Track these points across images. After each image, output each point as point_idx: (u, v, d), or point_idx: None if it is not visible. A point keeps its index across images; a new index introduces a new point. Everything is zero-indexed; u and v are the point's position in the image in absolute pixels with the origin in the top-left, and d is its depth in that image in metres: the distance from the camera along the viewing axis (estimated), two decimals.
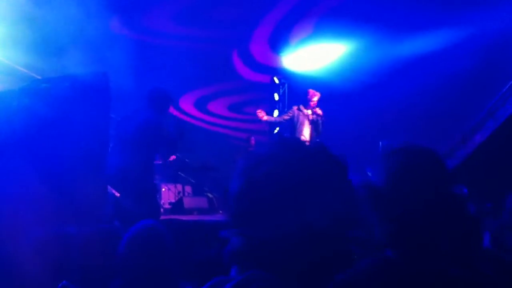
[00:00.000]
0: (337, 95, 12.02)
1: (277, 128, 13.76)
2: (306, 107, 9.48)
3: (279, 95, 13.86)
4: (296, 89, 13.60)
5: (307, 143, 1.38)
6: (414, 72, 11.98)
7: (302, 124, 9.44)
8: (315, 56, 13.48)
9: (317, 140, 9.68)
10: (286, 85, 14.05)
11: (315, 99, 9.39)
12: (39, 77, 9.85)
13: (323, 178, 1.29)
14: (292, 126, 9.63)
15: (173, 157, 10.83)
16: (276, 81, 13.99)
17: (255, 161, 1.35)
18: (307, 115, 9.45)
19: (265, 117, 9.94)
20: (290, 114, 9.65)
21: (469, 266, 1.53)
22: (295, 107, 9.69)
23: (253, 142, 12.84)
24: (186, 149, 12.07)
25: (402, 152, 1.76)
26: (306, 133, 9.45)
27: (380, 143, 9.91)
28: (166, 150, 6.39)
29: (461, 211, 1.71)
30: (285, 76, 14.06)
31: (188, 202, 11.39)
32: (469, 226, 1.76)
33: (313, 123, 9.41)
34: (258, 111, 10.02)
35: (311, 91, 9.52)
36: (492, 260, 1.81)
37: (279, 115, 10.35)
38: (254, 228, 1.27)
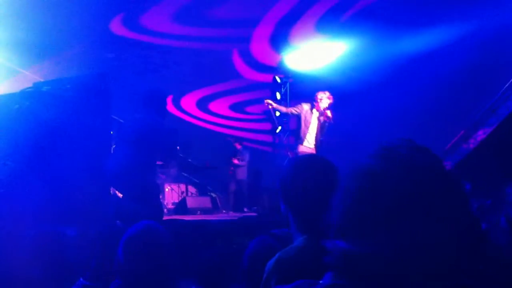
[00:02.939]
0: (338, 93, 12.02)
1: (279, 128, 13.78)
2: (317, 107, 9.35)
3: (281, 94, 13.86)
4: (298, 88, 13.62)
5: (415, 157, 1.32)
6: (416, 69, 11.96)
7: (309, 123, 9.36)
8: (317, 54, 13.47)
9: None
10: (288, 84, 14.06)
11: (328, 102, 9.28)
12: (41, 79, 9.89)
13: (440, 199, 1.22)
14: (298, 123, 9.57)
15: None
16: (278, 80, 13.99)
17: (360, 168, 1.31)
18: (317, 116, 9.36)
19: (274, 104, 9.90)
20: (298, 110, 9.52)
21: (465, 264, 1.53)
22: (304, 105, 9.55)
23: (238, 146, 13.00)
24: (187, 149, 12.10)
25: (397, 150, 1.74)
26: (312, 132, 9.38)
27: (382, 141, 9.91)
28: (166, 153, 6.37)
29: (461, 209, 1.71)
30: (287, 75, 14.06)
31: (191, 202, 11.40)
32: (471, 225, 1.76)
33: (320, 126, 9.34)
34: (266, 100, 10.01)
35: (327, 94, 9.36)
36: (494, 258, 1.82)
37: (287, 107, 10.23)
38: (361, 242, 1.22)
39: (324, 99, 9.28)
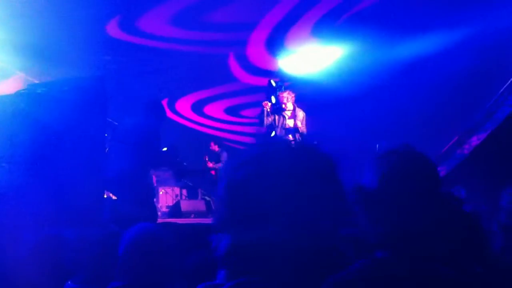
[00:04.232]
0: (335, 97, 12.04)
1: (274, 132, 13.78)
2: (283, 110, 9.40)
3: (276, 98, 13.87)
4: (293, 92, 13.62)
5: (292, 143, 1.38)
6: (412, 74, 11.98)
7: (279, 129, 9.39)
8: (313, 58, 13.48)
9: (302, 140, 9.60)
10: (283, 88, 14.06)
11: (285, 100, 9.35)
12: (37, 81, 9.86)
13: (308, 177, 1.26)
14: (274, 131, 9.59)
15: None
16: (273, 83, 13.99)
17: (236, 163, 1.33)
18: (287, 123, 9.38)
19: (267, 108, 9.88)
20: (270, 121, 9.59)
21: (462, 266, 1.54)
22: (275, 115, 9.61)
23: (212, 147, 12.90)
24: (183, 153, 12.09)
25: (393, 155, 1.77)
26: (290, 136, 9.41)
27: (377, 145, 9.92)
28: (158, 159, 6.36)
29: (453, 212, 1.72)
30: (283, 79, 14.06)
31: (185, 205, 11.39)
32: (467, 226, 1.76)
33: (293, 130, 9.36)
34: (264, 103, 10.02)
35: (279, 94, 9.47)
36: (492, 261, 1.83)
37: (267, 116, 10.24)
38: (241, 231, 1.24)
39: (288, 98, 9.35)
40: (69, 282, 3.15)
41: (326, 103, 11.32)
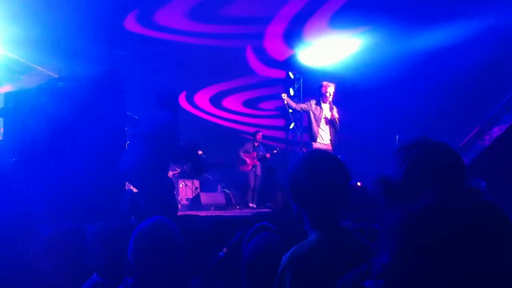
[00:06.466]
0: (352, 89, 11.98)
1: (293, 124, 13.77)
2: (324, 101, 9.21)
3: (294, 90, 13.86)
4: (311, 84, 13.59)
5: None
6: (431, 66, 11.90)
7: (319, 120, 9.20)
8: (330, 50, 13.43)
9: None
10: (301, 80, 14.05)
11: (330, 90, 9.16)
12: (56, 76, 9.92)
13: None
14: (308, 120, 9.40)
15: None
16: (291, 76, 13.99)
17: (407, 219, 1.33)
18: (327, 110, 9.20)
19: (286, 99, 9.80)
20: (307, 107, 9.37)
21: (482, 262, 1.52)
22: (312, 102, 9.38)
23: (259, 137, 12.70)
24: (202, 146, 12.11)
25: (417, 147, 1.75)
26: (325, 129, 9.21)
27: (397, 137, 9.86)
28: (177, 153, 6.34)
29: (480, 206, 1.70)
30: (300, 71, 14.04)
31: (205, 198, 11.39)
32: (494, 220, 1.74)
33: (330, 122, 9.18)
34: (283, 94, 9.97)
35: (324, 83, 9.26)
36: None
37: (297, 103, 10.08)
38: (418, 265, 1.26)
39: (330, 89, 9.16)
40: (95, 274, 3.17)
41: (343, 95, 11.26)
